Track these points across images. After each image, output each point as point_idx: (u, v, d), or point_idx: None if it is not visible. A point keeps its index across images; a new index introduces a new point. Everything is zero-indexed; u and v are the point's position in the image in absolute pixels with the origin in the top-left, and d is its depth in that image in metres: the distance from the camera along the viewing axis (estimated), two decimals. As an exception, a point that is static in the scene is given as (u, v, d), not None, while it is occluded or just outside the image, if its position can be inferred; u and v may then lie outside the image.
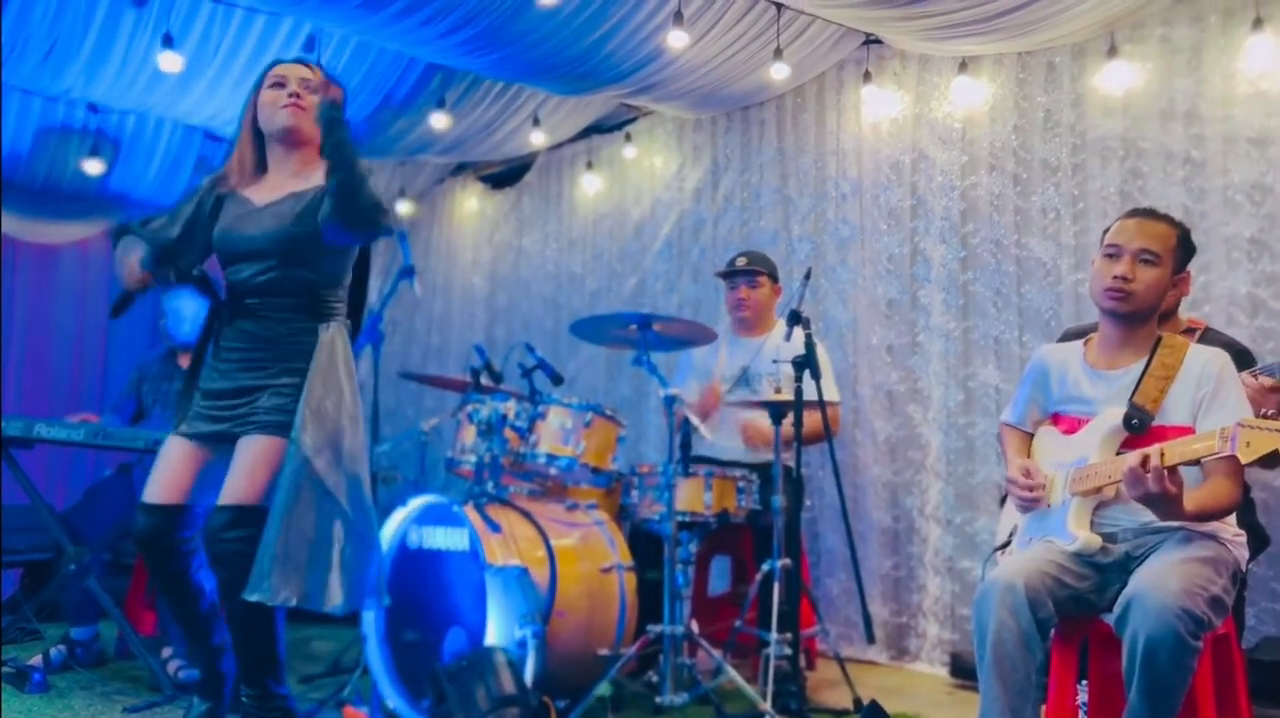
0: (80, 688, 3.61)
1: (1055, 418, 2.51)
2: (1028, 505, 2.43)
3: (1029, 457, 2.53)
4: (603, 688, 3.31)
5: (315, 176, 2.72)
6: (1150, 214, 2.42)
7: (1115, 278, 2.33)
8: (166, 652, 3.81)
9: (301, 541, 2.50)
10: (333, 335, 2.66)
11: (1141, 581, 2.09)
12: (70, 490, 6.02)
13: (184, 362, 4.09)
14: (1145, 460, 2.07)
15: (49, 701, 3.43)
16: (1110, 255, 2.37)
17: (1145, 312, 2.37)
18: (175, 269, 2.75)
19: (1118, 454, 2.28)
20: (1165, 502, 2.08)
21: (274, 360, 2.65)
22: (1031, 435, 2.57)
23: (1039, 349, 2.63)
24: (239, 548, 2.53)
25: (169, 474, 2.67)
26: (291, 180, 2.76)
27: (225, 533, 2.54)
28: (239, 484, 2.56)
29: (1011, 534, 2.54)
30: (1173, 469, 2.07)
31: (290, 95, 2.76)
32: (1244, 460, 1.96)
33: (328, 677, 3.83)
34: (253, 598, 2.47)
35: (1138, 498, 2.11)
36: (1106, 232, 2.46)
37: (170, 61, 4.41)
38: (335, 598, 2.57)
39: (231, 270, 2.75)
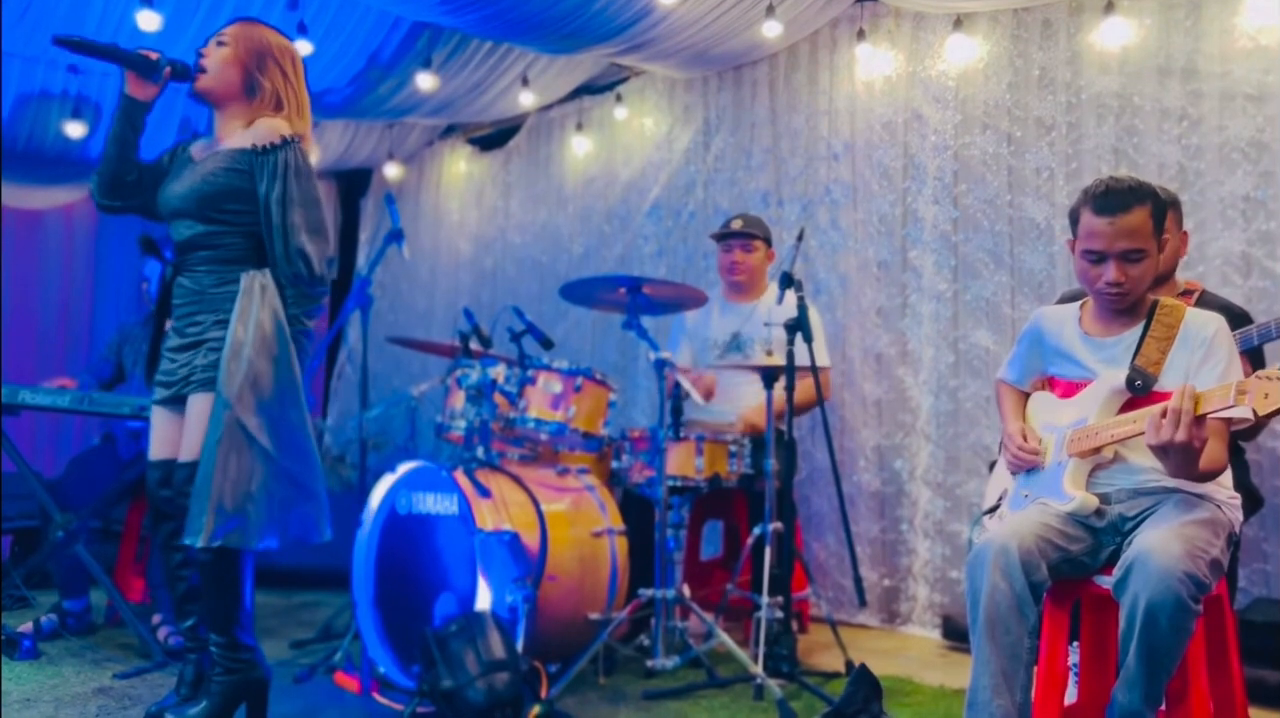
0: (71, 655, 3.60)
1: (1051, 381, 2.49)
2: (1018, 467, 2.43)
3: (1024, 419, 2.51)
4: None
5: (240, 136, 2.74)
6: (1116, 205, 2.25)
7: (1107, 283, 2.28)
8: (156, 618, 3.81)
9: (229, 484, 2.57)
10: (253, 281, 2.67)
11: (1143, 544, 2.06)
12: (57, 458, 6.00)
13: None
14: (1171, 412, 2.04)
15: (39, 667, 3.43)
16: (1092, 261, 2.30)
17: (1144, 293, 2.34)
18: (118, 206, 2.84)
19: (1118, 415, 2.26)
20: (1185, 453, 2.04)
21: (205, 313, 2.71)
22: (1027, 396, 2.55)
23: (1036, 311, 2.59)
24: (171, 499, 2.68)
25: (159, 435, 2.81)
26: (226, 139, 2.79)
27: (159, 489, 2.73)
28: (183, 442, 2.68)
29: (1000, 498, 2.53)
30: (1201, 419, 2.03)
31: (200, 58, 2.78)
32: (1261, 413, 1.91)
33: (319, 642, 3.83)
34: (187, 542, 2.56)
35: (1158, 446, 2.06)
36: (1075, 217, 2.33)
37: (149, 20, 4.34)
38: (264, 537, 2.63)
39: (171, 230, 2.81)
